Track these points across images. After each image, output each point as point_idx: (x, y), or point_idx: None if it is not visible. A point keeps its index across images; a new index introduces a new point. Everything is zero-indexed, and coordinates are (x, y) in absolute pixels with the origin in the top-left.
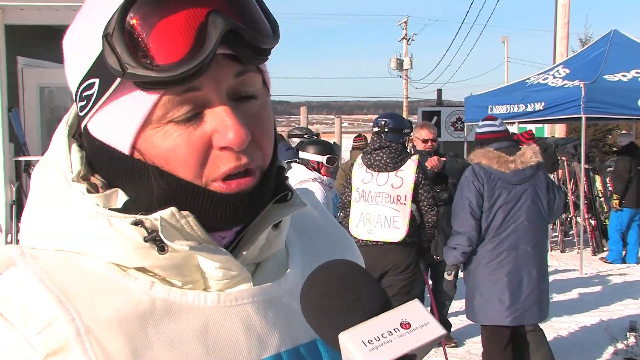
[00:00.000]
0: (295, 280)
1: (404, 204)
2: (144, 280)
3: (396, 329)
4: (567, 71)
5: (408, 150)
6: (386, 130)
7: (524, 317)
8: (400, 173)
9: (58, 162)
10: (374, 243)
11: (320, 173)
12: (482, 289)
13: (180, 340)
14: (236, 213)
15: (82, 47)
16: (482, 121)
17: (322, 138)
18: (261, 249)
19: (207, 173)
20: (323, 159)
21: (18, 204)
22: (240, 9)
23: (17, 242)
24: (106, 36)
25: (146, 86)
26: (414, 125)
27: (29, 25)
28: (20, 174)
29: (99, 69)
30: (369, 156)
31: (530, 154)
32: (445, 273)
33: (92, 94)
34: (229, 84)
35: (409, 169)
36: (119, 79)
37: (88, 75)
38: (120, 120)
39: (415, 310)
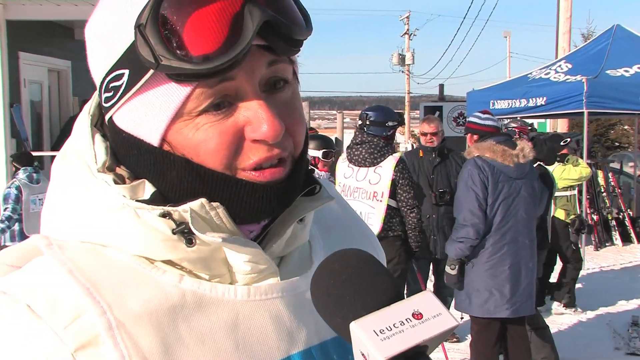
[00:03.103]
0: None
1: (380, 201)
2: (172, 273)
3: (408, 319)
4: (570, 66)
5: (411, 145)
6: (367, 123)
7: (521, 309)
8: (378, 169)
9: (80, 153)
10: None
11: (317, 168)
12: (481, 282)
13: (211, 335)
14: (269, 203)
15: (110, 37)
16: (481, 113)
17: (322, 133)
18: (287, 243)
19: (237, 163)
20: (319, 153)
21: None
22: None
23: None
24: (139, 27)
25: (179, 78)
26: (420, 120)
27: (31, 20)
28: None
29: (130, 60)
30: (349, 150)
31: (528, 149)
32: (449, 267)
33: (121, 85)
34: (262, 73)
35: (388, 165)
36: (151, 71)
37: (117, 66)
38: (150, 113)
39: (427, 301)
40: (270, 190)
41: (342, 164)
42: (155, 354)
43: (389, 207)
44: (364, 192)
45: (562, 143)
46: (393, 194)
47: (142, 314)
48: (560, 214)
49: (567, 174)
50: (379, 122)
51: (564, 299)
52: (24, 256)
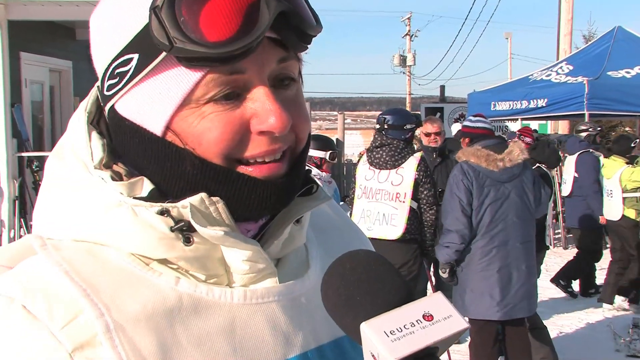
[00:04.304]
0: (317, 278)
1: (403, 202)
2: (168, 275)
3: (419, 321)
4: (571, 67)
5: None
6: (386, 127)
7: (514, 312)
8: (400, 170)
9: (76, 150)
10: (373, 240)
11: (321, 169)
12: (473, 285)
13: (208, 338)
14: (269, 199)
15: (120, 21)
16: (473, 117)
17: (322, 134)
18: (283, 244)
19: (238, 156)
20: (326, 154)
21: (21, 200)
22: None
23: (21, 236)
24: (154, 9)
25: (191, 63)
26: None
27: (32, 20)
28: (23, 169)
29: (140, 44)
30: (370, 153)
31: (517, 152)
32: (440, 271)
33: (128, 70)
34: (271, 69)
35: (410, 166)
36: (163, 54)
37: (126, 51)
38: (157, 98)
39: (438, 303)
40: (270, 186)
41: (363, 167)
42: (153, 356)
43: (410, 208)
44: (387, 193)
45: (632, 145)
46: (414, 195)
47: (139, 317)
48: (630, 213)
49: (636, 175)
50: (397, 125)
51: (629, 296)
52: (16, 256)
